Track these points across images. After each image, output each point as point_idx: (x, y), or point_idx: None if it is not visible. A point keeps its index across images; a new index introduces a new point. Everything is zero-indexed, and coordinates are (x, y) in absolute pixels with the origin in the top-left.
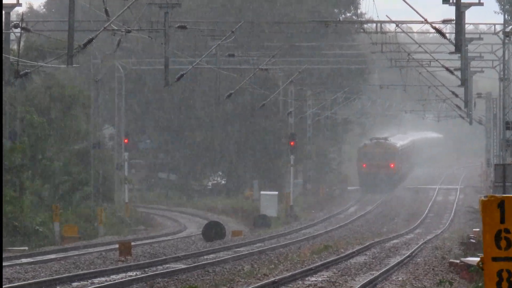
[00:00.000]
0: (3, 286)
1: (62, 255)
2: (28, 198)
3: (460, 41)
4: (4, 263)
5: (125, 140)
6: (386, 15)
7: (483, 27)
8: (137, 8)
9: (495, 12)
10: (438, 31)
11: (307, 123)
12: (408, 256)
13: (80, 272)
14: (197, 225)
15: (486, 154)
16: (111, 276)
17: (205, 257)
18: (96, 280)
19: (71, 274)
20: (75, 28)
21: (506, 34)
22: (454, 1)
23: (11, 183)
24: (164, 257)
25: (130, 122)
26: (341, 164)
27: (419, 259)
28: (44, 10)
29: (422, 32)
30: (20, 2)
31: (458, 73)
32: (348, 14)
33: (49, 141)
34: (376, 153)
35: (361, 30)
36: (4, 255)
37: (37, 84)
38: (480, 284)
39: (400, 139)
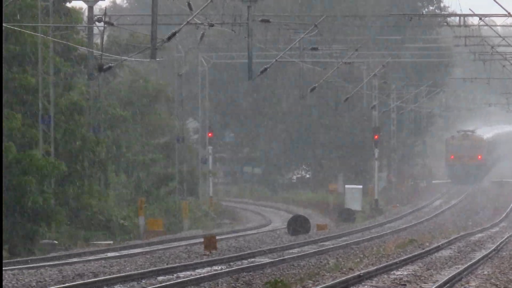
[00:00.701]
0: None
1: (148, 249)
2: (113, 192)
3: None
4: (90, 257)
5: (209, 134)
6: (469, 9)
7: None
8: (220, 2)
9: None
10: None
11: (391, 116)
12: (494, 250)
13: (166, 266)
14: (282, 219)
15: None
16: (196, 270)
17: (290, 251)
18: (181, 274)
19: (156, 268)
20: (158, 22)
21: None
22: None
23: (96, 177)
24: (249, 251)
25: (214, 115)
26: (425, 158)
27: (504, 253)
28: (127, 4)
29: (506, 26)
30: None
31: None
32: (431, 8)
33: (133, 135)
34: (463, 145)
35: (444, 24)
36: (89, 249)
37: (121, 78)
38: None
39: (486, 132)
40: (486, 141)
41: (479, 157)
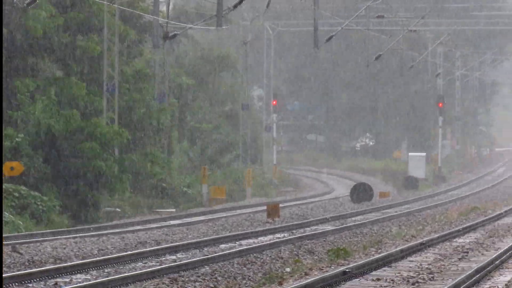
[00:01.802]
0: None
1: (210, 217)
2: (176, 159)
3: None
4: (152, 225)
5: (274, 102)
6: None
7: None
8: None
9: None
10: None
11: (456, 84)
12: None
13: (228, 234)
14: (345, 187)
15: None
16: (259, 238)
17: (353, 218)
18: (243, 242)
19: (218, 236)
20: None
21: None
22: None
23: (160, 145)
24: (311, 219)
25: (279, 83)
26: (489, 126)
27: None
28: None
29: None
30: None
31: None
32: None
33: (198, 102)
34: None
35: None
36: (152, 217)
37: (186, 46)
38: None
39: None
40: None
41: None
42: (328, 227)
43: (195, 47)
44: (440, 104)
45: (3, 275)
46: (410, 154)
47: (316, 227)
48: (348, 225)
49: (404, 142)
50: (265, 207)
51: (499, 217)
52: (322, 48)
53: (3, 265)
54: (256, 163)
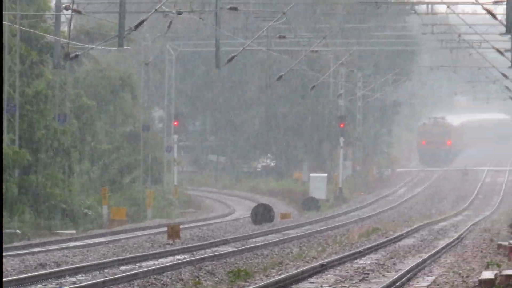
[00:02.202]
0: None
1: (111, 239)
2: (77, 180)
3: (511, 22)
4: (52, 247)
5: (175, 123)
6: None
7: None
8: None
9: None
10: (489, 12)
11: (357, 105)
12: (457, 239)
13: (128, 255)
14: (246, 208)
15: None
16: (160, 260)
17: (254, 240)
18: (144, 264)
19: (119, 257)
20: (126, 10)
21: None
22: None
23: (60, 166)
24: (212, 240)
25: (180, 104)
26: (391, 146)
27: (467, 242)
28: None
29: (473, 14)
30: None
31: (509, 55)
32: None
33: (99, 123)
34: (434, 131)
35: (412, 12)
36: (52, 238)
37: (87, 66)
38: None
39: (455, 119)
40: (455, 127)
41: (449, 142)
42: (228, 248)
43: (96, 68)
44: (342, 125)
45: None
46: (311, 174)
47: (216, 248)
48: (249, 246)
49: (306, 163)
50: (165, 229)
51: (399, 238)
52: (224, 69)
53: None
54: (157, 184)
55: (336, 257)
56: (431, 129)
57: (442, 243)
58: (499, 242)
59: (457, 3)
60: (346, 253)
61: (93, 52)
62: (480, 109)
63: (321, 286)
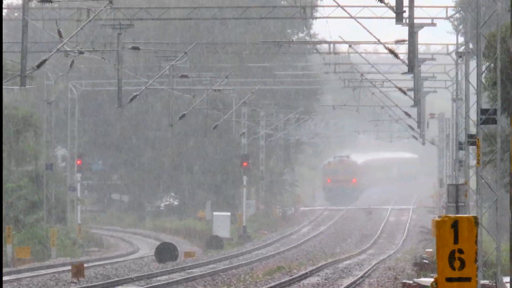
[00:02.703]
0: None
1: (14, 277)
2: None
3: (413, 62)
4: None
5: (78, 161)
6: (339, 36)
7: (436, 47)
8: (90, 29)
9: (448, 32)
10: (391, 51)
11: (260, 144)
12: (361, 277)
13: None
14: (149, 246)
15: (439, 174)
16: None
17: (158, 278)
18: None
19: None
20: (28, 49)
21: (459, 55)
22: (407, 22)
23: None
24: (117, 279)
25: (83, 143)
26: (294, 185)
27: (372, 280)
28: None
29: (375, 53)
30: None
31: (411, 94)
32: (301, 35)
33: (2, 162)
34: (339, 169)
35: (314, 51)
36: None
37: None
38: None
39: (360, 158)
40: (359, 165)
41: (354, 180)
42: (133, 287)
43: None
44: (245, 163)
45: None
46: (214, 213)
47: (121, 287)
48: (153, 285)
49: (209, 201)
50: (70, 267)
51: (304, 276)
52: (127, 108)
53: None
54: (61, 223)
55: None
56: (336, 167)
57: (346, 282)
58: (404, 281)
59: (359, 43)
60: None
61: None
62: (385, 147)
63: None
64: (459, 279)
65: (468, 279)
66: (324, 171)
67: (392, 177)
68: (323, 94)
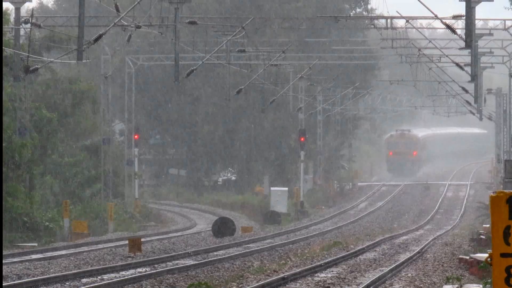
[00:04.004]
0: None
1: (72, 251)
2: (38, 193)
3: (470, 37)
4: (13, 259)
5: (135, 136)
6: (396, 11)
7: (493, 23)
8: (147, 4)
9: (505, 8)
10: (448, 26)
11: (317, 119)
12: (418, 253)
13: (90, 268)
14: (207, 221)
15: (496, 149)
16: (121, 272)
17: (215, 253)
18: (105, 276)
19: (80, 270)
20: (85, 23)
21: None
22: None
23: (21, 179)
24: (173, 253)
25: (141, 117)
26: (352, 160)
27: (428, 256)
28: (54, 5)
29: (433, 28)
30: None
31: (468, 69)
32: (359, 10)
33: (59, 136)
34: (401, 142)
35: (371, 26)
36: (13, 251)
37: (47, 79)
38: (489, 280)
39: (420, 132)
40: (420, 139)
41: (414, 153)
42: (190, 261)
43: (56, 81)
44: (302, 138)
45: None
46: (272, 188)
47: (178, 261)
48: (210, 259)
49: (266, 176)
50: (127, 242)
51: (360, 252)
52: (184, 82)
53: None
54: (118, 197)
55: (297, 270)
56: (397, 140)
57: (403, 257)
58: (460, 256)
59: (416, 18)
60: (307, 267)
61: (53, 64)
62: (449, 122)
63: None
64: None
65: None
66: (386, 144)
67: (455, 151)
68: (380, 69)
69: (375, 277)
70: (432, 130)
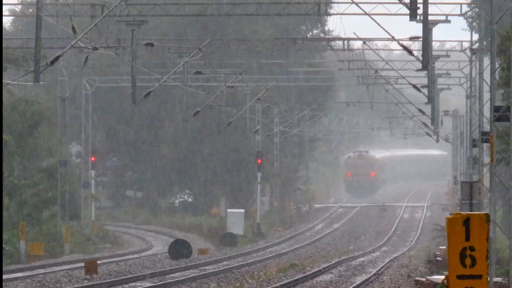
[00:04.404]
0: None
1: (28, 274)
2: None
3: (427, 58)
4: None
5: (92, 158)
6: (354, 32)
7: (450, 44)
8: (104, 25)
9: (462, 29)
10: (405, 48)
11: (274, 140)
12: (375, 274)
13: None
14: (163, 243)
15: (453, 171)
16: None
17: (171, 275)
18: None
19: None
20: (42, 45)
21: (473, 52)
22: (421, 18)
23: None
24: (130, 276)
25: (97, 139)
26: (309, 182)
27: (385, 277)
28: (11, 27)
29: (390, 50)
30: None
31: (425, 91)
32: (316, 31)
33: (16, 158)
34: (359, 163)
35: (329, 48)
36: None
37: (4, 101)
38: None
39: (378, 153)
40: (378, 160)
41: (372, 174)
42: (146, 283)
43: (13, 102)
44: (259, 160)
45: None
46: (228, 210)
47: (134, 283)
48: (166, 281)
49: (223, 198)
50: (83, 264)
51: (317, 274)
52: (141, 104)
53: None
54: (75, 219)
55: None
56: (355, 161)
57: (359, 279)
58: (417, 278)
59: (373, 39)
60: None
61: (10, 87)
62: (409, 144)
63: None
64: (470, 277)
65: (479, 277)
66: (344, 165)
67: (413, 173)
68: (337, 91)
69: None
70: (390, 151)
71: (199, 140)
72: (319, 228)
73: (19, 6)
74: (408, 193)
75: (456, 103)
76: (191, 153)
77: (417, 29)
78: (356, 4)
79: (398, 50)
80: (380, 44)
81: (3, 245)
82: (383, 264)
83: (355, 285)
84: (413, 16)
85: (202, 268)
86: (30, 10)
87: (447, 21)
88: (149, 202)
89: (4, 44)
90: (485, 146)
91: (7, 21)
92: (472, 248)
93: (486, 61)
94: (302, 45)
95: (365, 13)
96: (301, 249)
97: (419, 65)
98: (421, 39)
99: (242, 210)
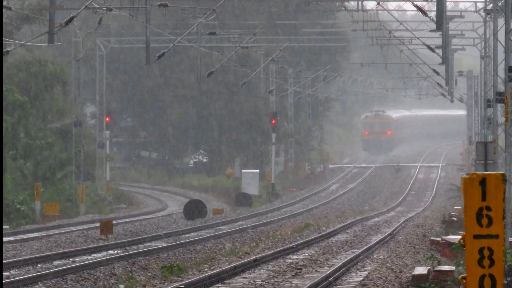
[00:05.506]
0: None
1: (44, 234)
2: (9, 176)
3: (441, 19)
4: None
5: (107, 118)
6: None
7: (464, 5)
8: None
9: None
10: (419, 8)
11: (288, 101)
12: (390, 234)
13: (62, 250)
14: (178, 203)
15: (468, 131)
16: (92, 255)
17: (186, 235)
18: (77, 259)
19: (52, 252)
20: (56, 6)
21: (487, 12)
22: None
23: None
24: (145, 236)
25: (112, 100)
26: (323, 142)
27: (400, 237)
28: None
29: (404, 10)
30: None
31: (439, 51)
32: None
33: (31, 119)
34: (376, 122)
35: (342, 8)
36: None
37: (18, 62)
38: (461, 262)
39: (394, 113)
40: (394, 120)
41: (389, 132)
42: (161, 243)
43: (28, 63)
44: (273, 121)
45: None
46: (243, 171)
47: (149, 243)
48: (181, 241)
49: (238, 159)
50: (98, 224)
51: (332, 233)
52: (155, 65)
53: None
54: (89, 180)
55: (269, 252)
56: (372, 120)
57: (375, 239)
58: (432, 238)
59: (387, 0)
60: (279, 249)
61: (25, 47)
62: (425, 105)
63: (254, 281)
64: (487, 236)
65: (495, 236)
66: (362, 124)
67: (430, 132)
68: (351, 52)
69: (347, 259)
70: (408, 111)
71: (214, 101)
72: (334, 188)
73: None
74: (423, 153)
75: (470, 64)
76: (206, 114)
77: None
78: None
79: (413, 10)
80: (394, 4)
81: (18, 206)
82: (398, 224)
83: (370, 244)
84: None
85: (217, 228)
86: None
87: None
88: (164, 162)
89: (19, 3)
90: (500, 106)
91: None
92: (488, 208)
93: (501, 21)
94: (316, 5)
95: None
96: (316, 209)
97: (433, 26)
98: None
99: (257, 171)
